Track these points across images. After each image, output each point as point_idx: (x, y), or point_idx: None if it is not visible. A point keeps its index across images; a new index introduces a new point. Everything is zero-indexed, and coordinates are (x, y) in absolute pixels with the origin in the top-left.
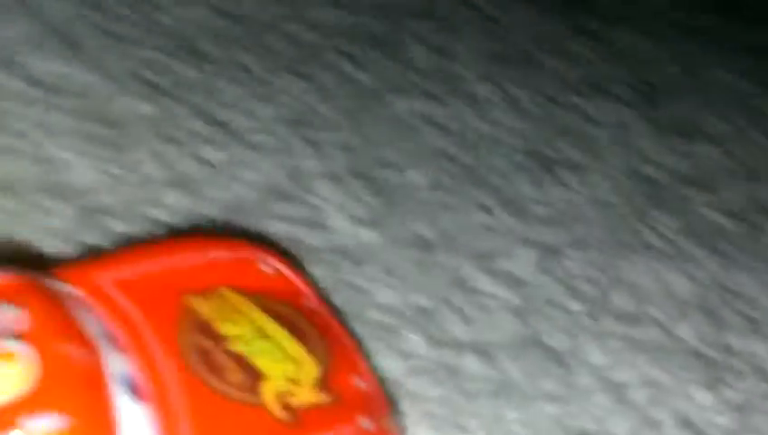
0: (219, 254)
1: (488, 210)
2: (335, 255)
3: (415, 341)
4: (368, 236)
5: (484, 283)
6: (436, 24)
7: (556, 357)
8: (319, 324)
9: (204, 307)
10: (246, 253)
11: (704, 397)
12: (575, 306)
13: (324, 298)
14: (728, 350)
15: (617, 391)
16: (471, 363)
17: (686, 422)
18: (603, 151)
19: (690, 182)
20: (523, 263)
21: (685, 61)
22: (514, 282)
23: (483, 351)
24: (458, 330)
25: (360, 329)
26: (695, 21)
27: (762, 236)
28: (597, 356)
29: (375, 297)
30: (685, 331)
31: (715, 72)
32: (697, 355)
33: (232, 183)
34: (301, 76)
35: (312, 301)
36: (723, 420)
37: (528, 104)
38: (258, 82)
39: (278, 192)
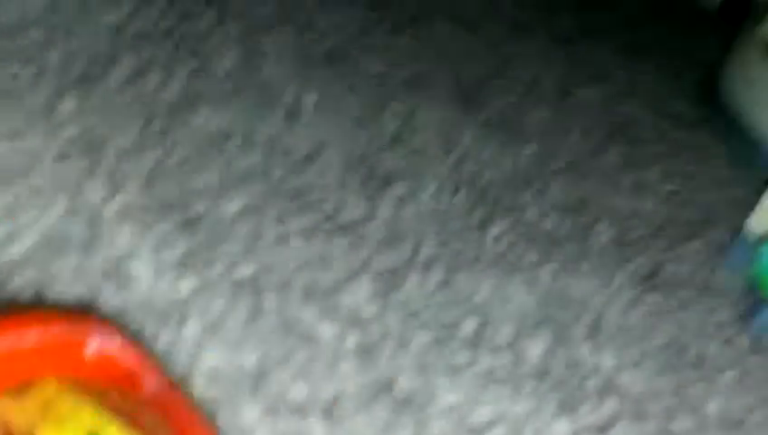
0: (35, 337)
1: (316, 236)
2: (144, 313)
3: (249, 412)
4: (181, 285)
5: (320, 326)
6: (240, 27)
7: (408, 402)
8: (162, 409)
9: (16, 412)
10: (69, 331)
11: (562, 426)
12: (422, 338)
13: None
14: (576, 365)
15: (474, 430)
16: (316, 428)
17: None
18: (430, 158)
19: (520, 183)
20: (360, 295)
21: (502, 54)
22: (353, 319)
23: (327, 410)
24: (296, 390)
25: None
26: (514, 13)
27: (588, 233)
28: (450, 395)
29: (198, 362)
30: (533, 351)
31: (532, 65)
32: (549, 378)
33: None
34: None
35: (152, 380)
36: None
37: (347, 111)
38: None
39: (62, 242)
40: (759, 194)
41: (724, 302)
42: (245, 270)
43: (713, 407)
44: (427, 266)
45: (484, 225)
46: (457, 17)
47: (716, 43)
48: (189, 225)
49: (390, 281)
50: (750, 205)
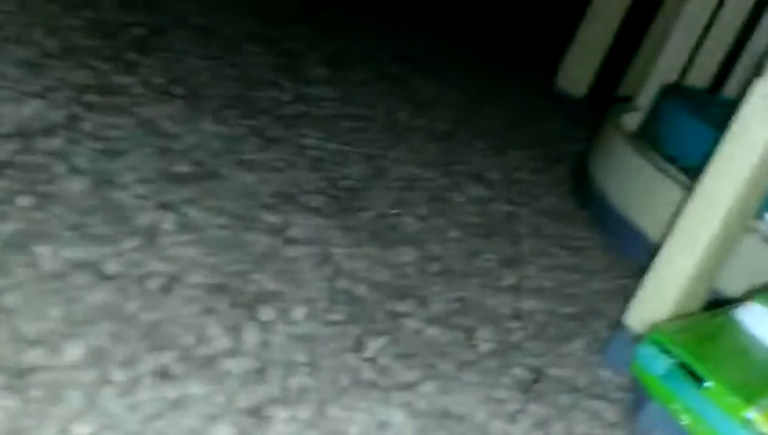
0: None
1: (173, 379)
2: None
3: None
4: None
5: None
6: (96, 147)
7: None
8: None
9: None
10: None
11: None
12: None
13: None
14: None
15: None
16: None
17: None
18: (304, 275)
19: (396, 294)
20: None
21: (377, 159)
22: None
23: None
24: None
25: None
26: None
27: (469, 339)
28: None
29: None
30: None
31: (401, 165)
32: None
33: None
34: None
35: None
36: None
37: (215, 231)
38: None
39: None
40: (638, 283)
41: (608, 403)
42: (84, 429)
43: None
44: (297, 400)
45: (358, 345)
46: (328, 125)
47: (585, 134)
48: (20, 379)
49: (255, 421)
50: (629, 295)
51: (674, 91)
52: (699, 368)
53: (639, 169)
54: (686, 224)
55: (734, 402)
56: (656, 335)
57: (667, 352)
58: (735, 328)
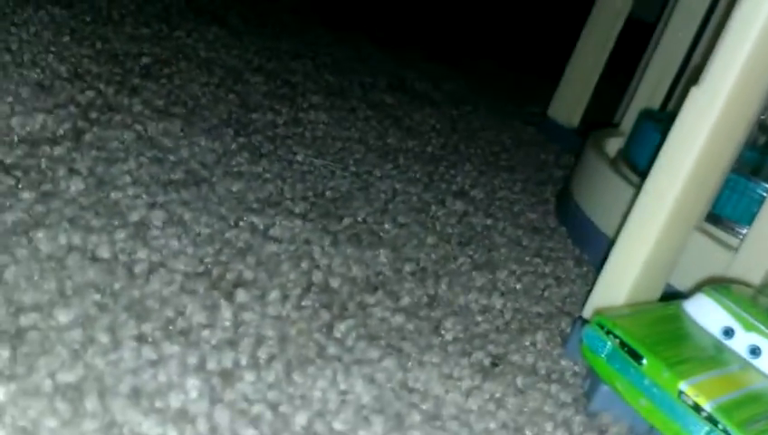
0: None
1: (151, 343)
2: None
3: None
4: None
5: (147, 425)
6: (97, 155)
7: None
8: None
9: None
10: None
11: None
12: (251, 433)
13: None
14: None
15: None
16: None
17: None
18: (282, 268)
19: (369, 288)
20: (192, 395)
21: (363, 174)
22: (182, 418)
23: None
24: None
25: None
26: (360, 134)
27: (435, 328)
28: None
29: None
30: None
31: (386, 180)
32: None
33: None
34: None
35: None
36: None
37: (200, 227)
38: None
39: None
40: None
41: (563, 386)
42: (69, 377)
43: None
44: (264, 367)
45: (327, 327)
46: (319, 145)
47: (572, 161)
48: (14, 337)
49: (224, 381)
50: None
51: (649, 115)
52: (637, 346)
53: (616, 186)
54: (635, 220)
55: (669, 377)
56: (600, 318)
57: (609, 333)
58: (682, 317)
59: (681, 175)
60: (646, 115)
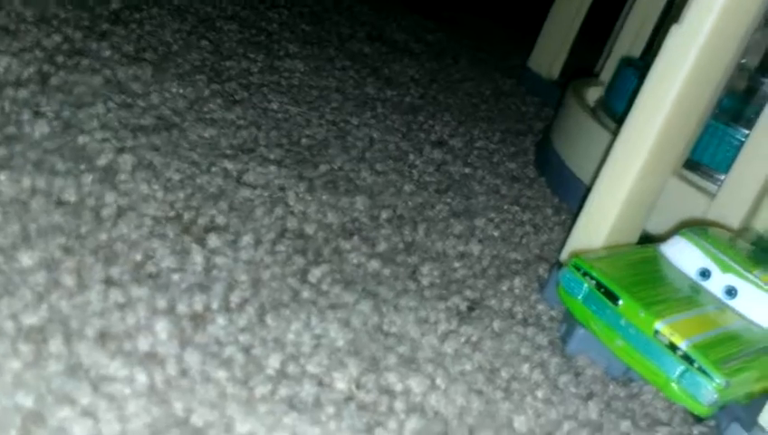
0: None
1: (119, 286)
2: None
3: None
4: None
5: (113, 367)
6: (63, 99)
7: (201, 434)
8: None
9: None
10: None
11: None
12: (222, 375)
13: None
14: (386, 391)
15: None
16: None
17: None
18: (256, 213)
19: (345, 234)
20: (161, 337)
21: (340, 123)
22: (151, 361)
23: None
24: (76, 429)
25: None
26: (338, 83)
27: (411, 274)
28: (245, 425)
29: None
30: (340, 380)
31: (364, 129)
32: (354, 403)
33: None
34: None
35: None
36: None
37: (171, 173)
38: None
39: None
40: None
41: (540, 330)
42: (33, 319)
43: (520, 423)
44: (236, 310)
45: (302, 272)
46: (295, 94)
47: (552, 113)
48: None
49: (194, 324)
50: None
51: (628, 62)
52: (613, 287)
53: (595, 133)
54: (613, 162)
55: (645, 317)
56: (576, 260)
57: (586, 275)
58: (659, 259)
59: (660, 116)
60: (625, 63)
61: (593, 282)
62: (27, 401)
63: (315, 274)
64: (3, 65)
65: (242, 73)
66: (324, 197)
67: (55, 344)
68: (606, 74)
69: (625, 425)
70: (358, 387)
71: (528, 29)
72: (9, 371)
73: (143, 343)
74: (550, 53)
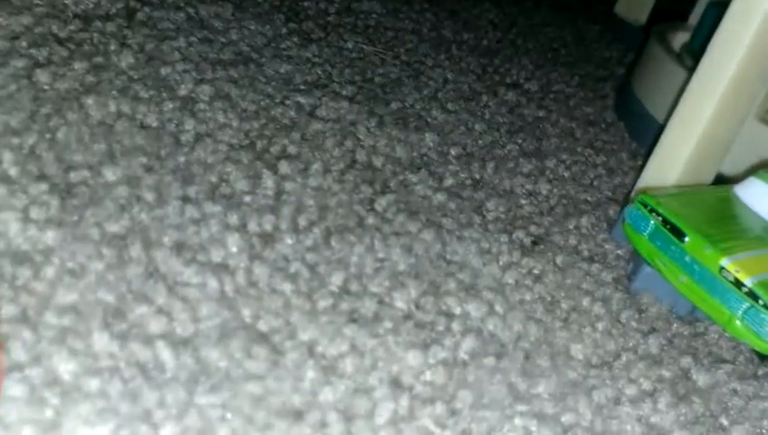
0: None
1: (195, 203)
2: (6, 260)
3: (97, 338)
4: (47, 237)
5: (187, 274)
6: (148, 33)
7: (263, 339)
8: None
9: None
10: None
11: (414, 358)
12: (288, 287)
13: None
14: (445, 313)
15: (327, 363)
16: (162, 355)
17: (396, 383)
18: (326, 145)
19: (413, 168)
20: (232, 250)
21: (415, 63)
22: (222, 271)
23: (177, 342)
24: (154, 324)
25: (34, 334)
26: (414, 25)
27: (477, 208)
28: (307, 333)
29: (54, 300)
30: (400, 299)
31: (437, 70)
32: (412, 321)
33: None
34: None
35: None
36: (432, 376)
37: (247, 104)
38: None
39: None
40: None
41: (604, 266)
42: (115, 227)
43: (576, 351)
44: (303, 231)
45: (368, 200)
46: (371, 34)
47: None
48: (65, 190)
49: (263, 241)
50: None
51: (717, 5)
52: (680, 223)
53: (680, 78)
54: (689, 99)
55: (710, 253)
56: (643, 197)
57: (653, 211)
58: (732, 200)
59: (735, 55)
60: (713, 5)
61: (659, 218)
62: (109, 297)
63: (381, 202)
64: (92, 0)
65: (319, 14)
66: (394, 132)
67: (135, 250)
68: (694, 19)
69: (686, 361)
70: (417, 307)
71: None
72: (93, 271)
73: (215, 255)
74: None
